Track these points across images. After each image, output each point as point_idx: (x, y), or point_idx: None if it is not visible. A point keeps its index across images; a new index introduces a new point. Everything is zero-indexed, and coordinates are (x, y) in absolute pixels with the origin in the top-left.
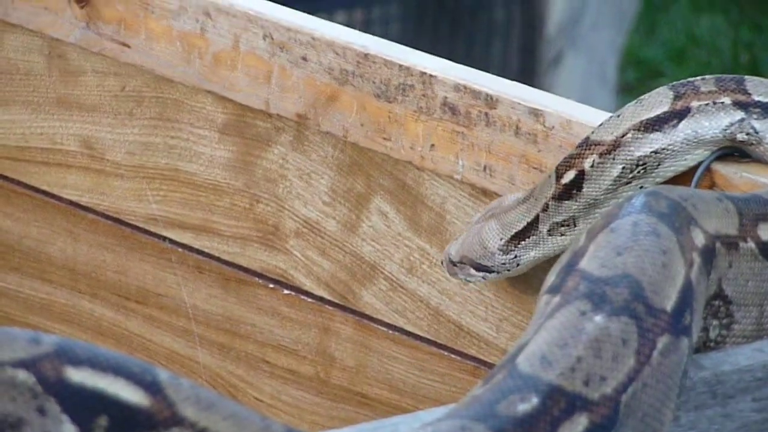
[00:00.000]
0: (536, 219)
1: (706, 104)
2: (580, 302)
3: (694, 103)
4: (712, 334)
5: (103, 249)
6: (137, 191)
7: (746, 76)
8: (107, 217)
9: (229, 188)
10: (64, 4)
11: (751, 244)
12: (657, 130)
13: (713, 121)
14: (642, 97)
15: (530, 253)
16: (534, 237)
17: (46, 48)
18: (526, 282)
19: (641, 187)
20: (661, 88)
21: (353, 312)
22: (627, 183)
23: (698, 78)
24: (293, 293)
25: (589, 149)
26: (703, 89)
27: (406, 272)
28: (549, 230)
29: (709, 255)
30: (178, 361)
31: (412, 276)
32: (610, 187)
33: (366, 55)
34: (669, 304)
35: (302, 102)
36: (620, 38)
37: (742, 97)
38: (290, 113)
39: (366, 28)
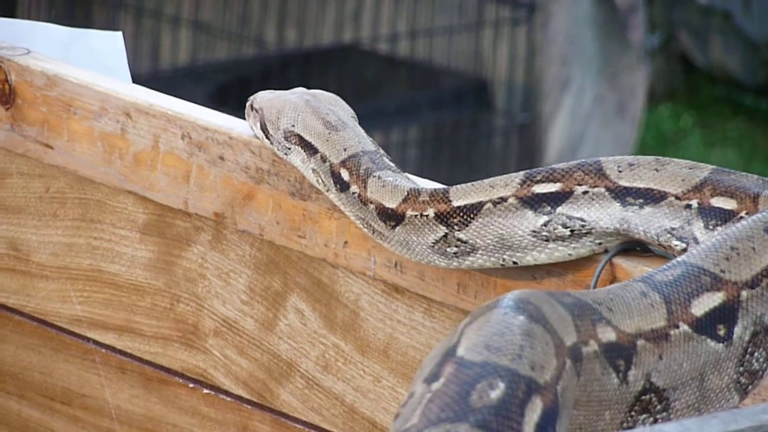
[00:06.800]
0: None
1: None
2: (506, 308)
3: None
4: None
5: (29, 350)
6: (62, 292)
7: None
8: (33, 318)
9: (150, 288)
10: None
11: (684, 327)
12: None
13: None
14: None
15: (296, 163)
16: (318, 180)
17: None
18: None
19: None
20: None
21: (271, 410)
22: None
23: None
24: (212, 392)
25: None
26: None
27: (322, 370)
28: (340, 188)
29: (624, 352)
30: None
31: (328, 373)
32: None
33: None
34: (570, 340)
35: (220, 201)
36: None
37: (443, 207)
38: (208, 212)
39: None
